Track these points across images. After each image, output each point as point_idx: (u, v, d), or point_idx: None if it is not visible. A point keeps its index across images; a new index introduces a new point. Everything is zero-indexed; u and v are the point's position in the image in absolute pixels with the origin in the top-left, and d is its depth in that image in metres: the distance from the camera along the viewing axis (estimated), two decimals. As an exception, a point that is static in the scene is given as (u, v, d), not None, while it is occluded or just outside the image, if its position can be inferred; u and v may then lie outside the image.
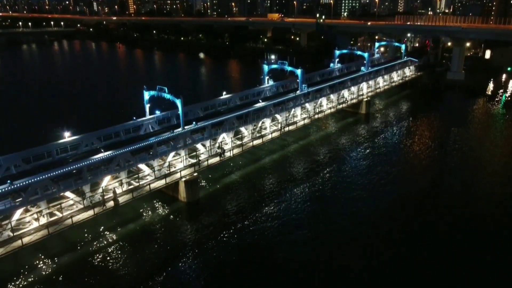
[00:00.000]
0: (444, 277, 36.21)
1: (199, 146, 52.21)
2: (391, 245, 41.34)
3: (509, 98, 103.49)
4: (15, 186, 34.57)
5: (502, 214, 47.57)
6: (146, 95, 53.19)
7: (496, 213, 47.69)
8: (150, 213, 46.97)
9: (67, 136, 45.66)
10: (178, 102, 48.06)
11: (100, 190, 41.25)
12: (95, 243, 40.88)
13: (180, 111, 48.69)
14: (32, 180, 35.41)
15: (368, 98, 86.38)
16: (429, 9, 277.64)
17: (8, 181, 34.48)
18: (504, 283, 35.91)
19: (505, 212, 47.99)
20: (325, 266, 37.96)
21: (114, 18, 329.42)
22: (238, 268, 38.19)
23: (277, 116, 63.56)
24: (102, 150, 42.24)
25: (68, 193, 39.45)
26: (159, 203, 48.92)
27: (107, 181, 42.52)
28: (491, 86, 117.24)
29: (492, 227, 44.49)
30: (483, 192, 53.64)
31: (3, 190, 34.04)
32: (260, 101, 62.69)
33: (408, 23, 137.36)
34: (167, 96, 49.51)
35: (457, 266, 37.79)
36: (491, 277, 36.44)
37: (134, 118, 52.78)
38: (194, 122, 50.50)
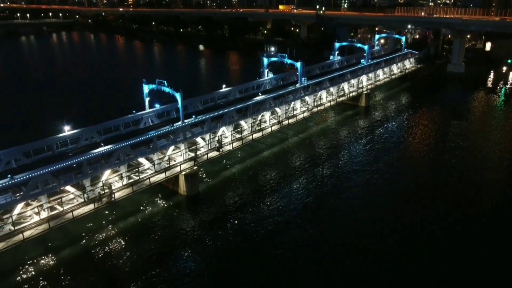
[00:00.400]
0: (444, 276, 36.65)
1: (198, 139, 52.26)
2: (391, 240, 41.70)
3: (509, 91, 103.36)
4: (16, 180, 34.65)
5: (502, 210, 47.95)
6: (146, 88, 53.08)
7: (496, 209, 48.04)
8: (150, 206, 47.20)
9: (67, 130, 45.68)
10: (178, 96, 47.97)
11: (100, 184, 41.40)
12: (96, 236, 41.17)
13: (179, 105, 48.62)
14: (33, 174, 35.50)
15: (368, 90, 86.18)
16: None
17: (9, 176, 34.54)
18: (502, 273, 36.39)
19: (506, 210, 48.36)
20: (324, 262, 38.33)
21: (121, 9, 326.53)
22: (237, 260, 38.57)
23: (277, 109, 63.50)
24: (102, 144, 42.27)
25: (68, 187, 39.58)
26: (159, 196, 49.13)
27: (107, 175, 42.63)
28: (491, 78, 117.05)
29: (491, 222, 44.93)
30: (482, 186, 53.90)
31: (4, 184, 34.15)
32: (260, 94, 62.56)
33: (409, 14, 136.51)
34: (167, 89, 49.41)
35: (457, 271, 38.19)
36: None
37: (134, 111, 52.74)
38: (193, 116, 50.45)
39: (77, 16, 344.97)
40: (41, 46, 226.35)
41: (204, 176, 54.29)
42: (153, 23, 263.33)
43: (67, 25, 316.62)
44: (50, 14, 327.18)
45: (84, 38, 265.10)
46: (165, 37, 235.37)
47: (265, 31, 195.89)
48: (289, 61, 67.80)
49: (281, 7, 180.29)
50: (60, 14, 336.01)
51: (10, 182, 34.34)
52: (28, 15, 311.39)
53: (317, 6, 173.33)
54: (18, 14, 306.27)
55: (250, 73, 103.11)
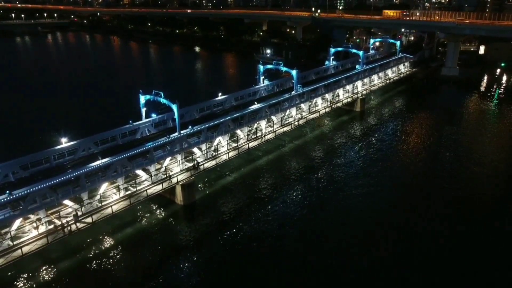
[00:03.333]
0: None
1: (195, 149, 52.74)
2: (387, 247, 42.46)
3: (502, 94, 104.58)
4: (14, 196, 34.98)
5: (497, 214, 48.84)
6: (142, 99, 53.47)
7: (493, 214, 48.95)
8: (147, 216, 47.70)
9: (64, 142, 46.05)
10: (174, 107, 48.36)
11: (98, 197, 41.89)
12: (94, 247, 41.63)
13: (176, 116, 49.01)
14: (31, 189, 35.85)
15: (363, 96, 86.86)
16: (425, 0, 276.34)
17: (7, 192, 34.87)
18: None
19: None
20: (321, 270, 38.93)
21: (122, 9, 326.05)
22: (234, 269, 39.21)
23: (273, 117, 64.05)
24: (100, 158, 42.61)
25: (66, 201, 39.97)
26: (156, 206, 49.63)
27: (104, 187, 43.10)
28: (485, 81, 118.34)
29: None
30: (477, 189, 54.96)
31: (2, 200, 34.48)
32: (256, 102, 63.01)
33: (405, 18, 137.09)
34: (163, 100, 49.79)
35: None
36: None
37: (131, 121, 53.10)
38: (190, 126, 50.89)
39: (72, 16, 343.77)
40: (35, 47, 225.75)
41: (201, 184, 54.80)
42: (149, 23, 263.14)
43: (63, 25, 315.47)
44: (45, 14, 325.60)
45: (80, 39, 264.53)
46: (161, 38, 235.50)
47: (261, 33, 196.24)
48: (284, 68, 68.35)
49: (388, 12, 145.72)
50: (55, 15, 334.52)
51: (8, 198, 34.66)
52: (23, 15, 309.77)
53: (313, 9, 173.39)
54: (13, 15, 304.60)
55: (246, 74, 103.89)
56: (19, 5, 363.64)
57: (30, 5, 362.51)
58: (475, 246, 42.37)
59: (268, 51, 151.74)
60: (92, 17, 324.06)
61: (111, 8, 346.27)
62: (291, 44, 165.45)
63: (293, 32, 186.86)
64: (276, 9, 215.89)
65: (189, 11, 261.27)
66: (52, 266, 38.56)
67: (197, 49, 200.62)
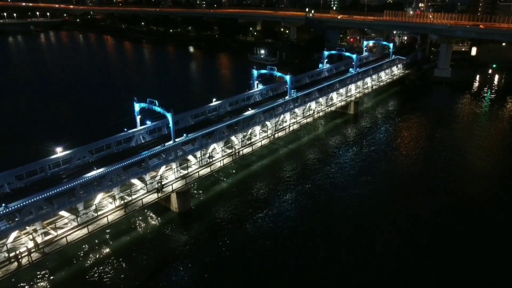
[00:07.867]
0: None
1: (190, 156, 53.07)
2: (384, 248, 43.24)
3: (493, 95, 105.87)
4: (10, 209, 35.16)
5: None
6: (137, 106, 53.68)
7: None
8: (143, 224, 48.06)
9: (59, 151, 46.21)
10: (169, 116, 48.65)
11: (94, 207, 42.18)
12: (90, 256, 41.94)
13: (171, 124, 49.27)
14: (27, 202, 36.05)
15: (357, 99, 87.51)
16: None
17: (3, 205, 35.04)
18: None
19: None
20: (318, 275, 39.57)
21: (115, 8, 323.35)
22: (230, 277, 39.69)
23: (267, 123, 64.49)
24: (95, 168, 42.79)
25: (62, 212, 40.21)
26: (152, 213, 49.96)
27: (100, 197, 43.36)
28: (477, 82, 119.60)
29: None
30: (469, 187, 56.51)
31: (-1, 213, 34.72)
32: (250, 108, 63.36)
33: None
34: (158, 109, 50.06)
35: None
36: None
37: (125, 129, 53.31)
38: (184, 134, 51.18)
39: (64, 15, 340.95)
40: (28, 48, 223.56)
41: (196, 191, 55.19)
42: (143, 23, 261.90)
43: (55, 24, 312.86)
44: (38, 13, 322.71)
45: (73, 38, 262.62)
46: (154, 37, 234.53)
47: (256, 33, 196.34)
48: (278, 74, 68.78)
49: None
50: (48, 14, 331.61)
51: (4, 211, 34.83)
52: (15, 14, 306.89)
53: (307, 9, 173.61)
54: (5, 14, 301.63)
55: (240, 75, 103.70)
56: (10, 3, 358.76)
57: (22, 3, 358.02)
58: (472, 246, 43.35)
59: (262, 51, 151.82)
60: (85, 16, 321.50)
61: (104, 6, 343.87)
62: (285, 44, 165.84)
63: (287, 32, 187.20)
64: (270, 9, 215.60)
65: (182, 10, 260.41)
66: (49, 276, 38.80)
67: (191, 49, 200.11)
